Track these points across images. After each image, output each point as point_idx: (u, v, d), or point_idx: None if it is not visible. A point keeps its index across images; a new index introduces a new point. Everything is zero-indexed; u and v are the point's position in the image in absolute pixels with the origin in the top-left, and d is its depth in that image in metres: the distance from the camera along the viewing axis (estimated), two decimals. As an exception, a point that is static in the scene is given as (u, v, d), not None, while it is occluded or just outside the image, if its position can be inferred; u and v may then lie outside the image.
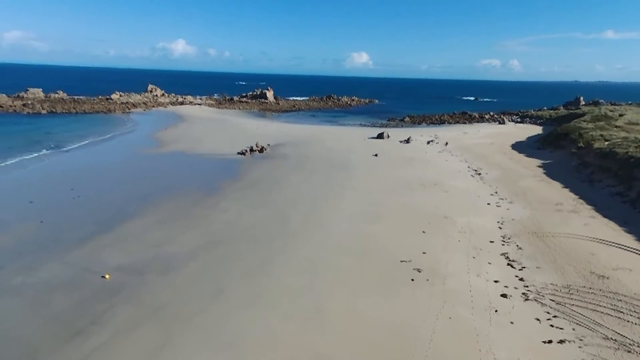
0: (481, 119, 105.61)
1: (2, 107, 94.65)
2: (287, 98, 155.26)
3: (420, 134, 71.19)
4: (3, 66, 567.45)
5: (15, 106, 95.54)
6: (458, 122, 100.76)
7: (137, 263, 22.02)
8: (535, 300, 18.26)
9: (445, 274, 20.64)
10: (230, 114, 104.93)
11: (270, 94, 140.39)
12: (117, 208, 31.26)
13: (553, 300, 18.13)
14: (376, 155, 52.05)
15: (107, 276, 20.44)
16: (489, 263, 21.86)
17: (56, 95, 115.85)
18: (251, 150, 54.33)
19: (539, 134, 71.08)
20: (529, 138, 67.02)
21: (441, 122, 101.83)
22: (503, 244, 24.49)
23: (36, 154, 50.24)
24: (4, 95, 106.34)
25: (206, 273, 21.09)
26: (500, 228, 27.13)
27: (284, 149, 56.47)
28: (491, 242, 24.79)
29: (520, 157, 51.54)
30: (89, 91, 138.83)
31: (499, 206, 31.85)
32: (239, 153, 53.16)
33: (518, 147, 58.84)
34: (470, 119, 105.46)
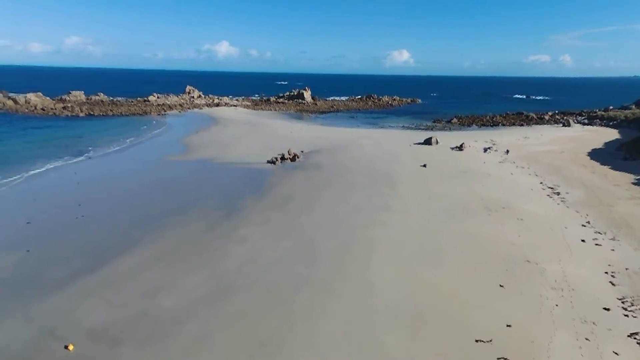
0: (540, 121, 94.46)
1: (44, 109, 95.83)
2: (325, 98, 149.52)
3: (474, 138, 62.71)
4: (63, 70, 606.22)
5: (55, 109, 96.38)
6: (514, 124, 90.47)
7: (117, 324, 16.74)
8: None
9: (549, 371, 13.68)
10: (265, 115, 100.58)
11: (307, 94, 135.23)
12: (119, 234, 26.55)
13: None
14: (425, 165, 44.79)
15: (70, 347, 15.27)
16: (616, 354, 14.59)
17: (96, 98, 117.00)
18: (282, 158, 48.80)
19: (617, 139, 60.51)
20: (607, 144, 56.82)
21: (494, 125, 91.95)
22: (626, 315, 17.00)
23: (61, 163, 47.45)
24: (47, 98, 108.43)
25: (203, 347, 15.40)
26: (612, 284, 19.50)
27: (319, 157, 50.48)
28: (606, 309, 17.35)
29: (605, 170, 42.33)
30: (132, 93, 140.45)
31: (599, 245, 23.99)
32: (268, 162, 47.81)
33: (597, 156, 49.24)
34: (528, 121, 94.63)
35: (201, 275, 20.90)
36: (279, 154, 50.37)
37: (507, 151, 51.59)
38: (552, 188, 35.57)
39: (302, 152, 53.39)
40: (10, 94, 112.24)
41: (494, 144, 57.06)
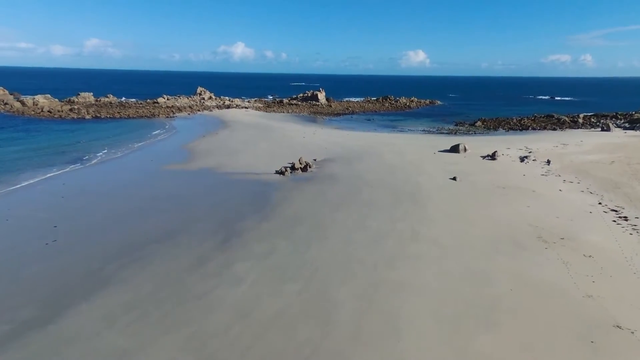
0: (574, 124, 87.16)
1: (50, 112, 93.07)
2: (340, 100, 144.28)
3: (506, 145, 56.46)
4: (82, 72, 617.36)
5: (62, 111, 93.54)
6: (545, 128, 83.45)
7: None
8: None
9: None
10: (276, 118, 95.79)
11: (321, 96, 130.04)
12: (89, 269, 21.72)
13: None
14: (454, 178, 39.03)
15: None
16: None
17: (105, 99, 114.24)
18: (292, 168, 43.65)
19: (672, 147, 53.44)
20: (662, 153, 49.88)
21: (523, 128, 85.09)
22: None
23: (52, 172, 43.00)
24: (55, 99, 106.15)
25: None
26: None
27: (333, 167, 45.19)
28: None
29: (672, 186, 35.78)
30: (146, 94, 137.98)
31: None
32: (277, 172, 42.76)
33: (656, 168, 42.52)
34: (560, 124, 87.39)
35: (177, 340, 15.81)
36: (289, 163, 45.36)
37: (548, 161, 45.27)
38: (615, 211, 29.41)
39: (315, 160, 48.23)
40: (23, 96, 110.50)
41: (530, 152, 50.76)
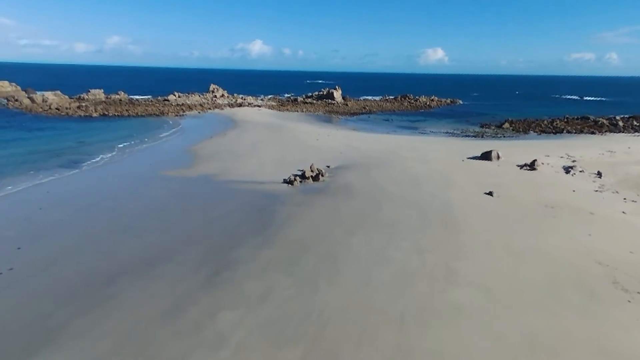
0: (614, 127, 79.71)
1: (58, 109, 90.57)
2: (357, 98, 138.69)
3: (544, 152, 50.25)
4: (103, 68, 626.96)
5: (70, 109, 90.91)
6: (582, 132, 76.41)
7: None
8: None
9: None
10: (290, 118, 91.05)
11: (337, 94, 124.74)
12: (34, 317, 17.16)
13: None
14: (490, 194, 33.40)
15: None
16: None
17: (116, 97, 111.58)
18: (302, 177, 38.72)
19: None
20: None
21: (557, 131, 78.20)
22: None
23: (39, 180, 38.76)
24: (65, 96, 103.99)
25: None
26: None
27: (349, 175, 40.05)
28: None
29: None
30: (158, 91, 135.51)
31: None
32: (285, 181, 37.90)
33: None
34: (598, 127, 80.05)
35: None
36: (299, 170, 40.50)
37: (599, 173, 39.06)
38: (703, 243, 23.44)
39: (328, 167, 43.24)
40: (35, 93, 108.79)
41: (574, 162, 44.51)
